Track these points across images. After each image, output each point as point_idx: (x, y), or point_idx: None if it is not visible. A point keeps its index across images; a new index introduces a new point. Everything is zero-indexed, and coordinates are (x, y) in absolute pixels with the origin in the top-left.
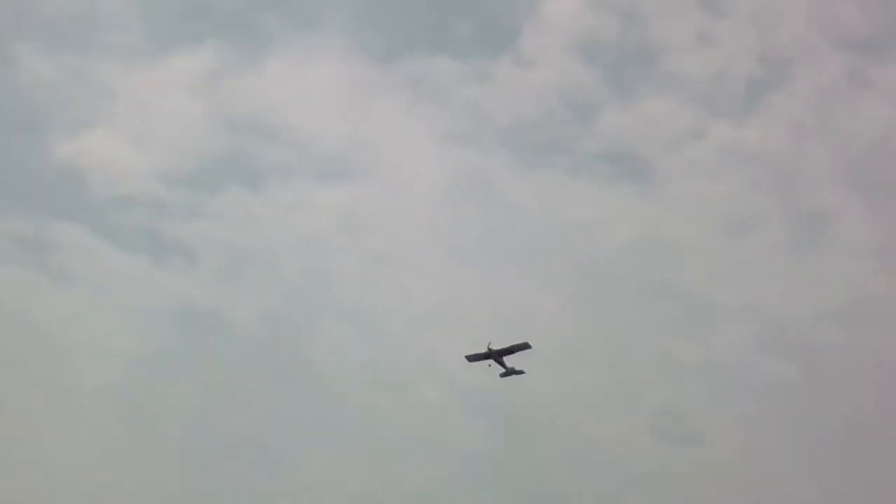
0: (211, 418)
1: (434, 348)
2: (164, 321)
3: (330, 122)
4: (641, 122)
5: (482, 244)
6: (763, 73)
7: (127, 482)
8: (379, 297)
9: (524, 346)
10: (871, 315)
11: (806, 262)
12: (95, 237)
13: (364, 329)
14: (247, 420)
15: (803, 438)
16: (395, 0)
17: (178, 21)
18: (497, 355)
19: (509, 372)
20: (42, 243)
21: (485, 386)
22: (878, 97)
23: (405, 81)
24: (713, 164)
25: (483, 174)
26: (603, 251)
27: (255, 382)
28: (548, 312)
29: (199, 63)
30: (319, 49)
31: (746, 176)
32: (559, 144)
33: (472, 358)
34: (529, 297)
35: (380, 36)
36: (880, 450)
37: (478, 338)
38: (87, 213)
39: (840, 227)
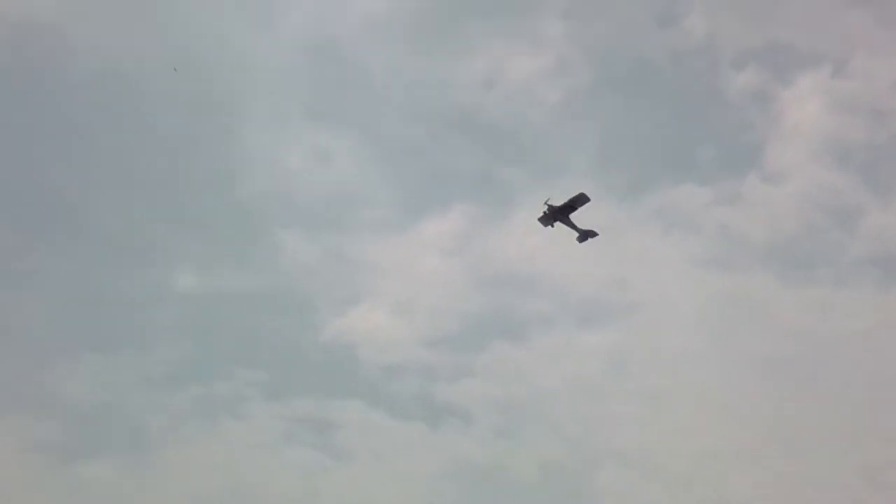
0: None
1: (723, 484)
2: (446, 484)
3: (584, 265)
4: None
5: (755, 368)
6: None
7: None
8: (658, 436)
9: (583, 199)
10: None
11: None
12: (371, 409)
13: (647, 471)
14: None
15: None
16: (632, 136)
17: (425, 188)
18: (559, 212)
19: (584, 235)
20: (323, 421)
21: None
22: None
23: (654, 213)
24: None
25: (745, 296)
26: (887, 360)
27: None
28: (838, 430)
29: (449, 226)
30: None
31: None
32: (821, 255)
33: (543, 221)
34: (815, 417)
35: (622, 173)
36: None
37: (768, 465)
38: (360, 386)
39: None
